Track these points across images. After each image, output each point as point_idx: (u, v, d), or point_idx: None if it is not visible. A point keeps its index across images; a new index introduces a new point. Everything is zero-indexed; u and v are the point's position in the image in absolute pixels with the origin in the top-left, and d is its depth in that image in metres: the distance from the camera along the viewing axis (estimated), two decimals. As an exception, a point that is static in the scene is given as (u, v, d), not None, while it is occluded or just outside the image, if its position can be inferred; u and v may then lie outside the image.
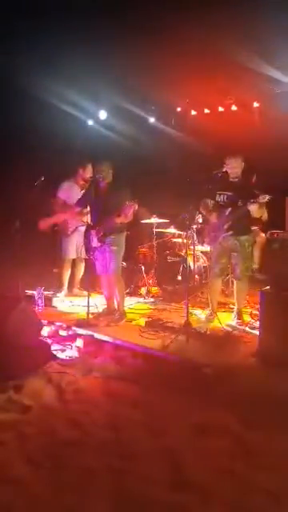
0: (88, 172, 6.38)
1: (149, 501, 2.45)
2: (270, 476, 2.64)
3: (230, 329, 5.14)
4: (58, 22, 6.03)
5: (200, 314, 5.62)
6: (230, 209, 5.09)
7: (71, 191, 6.44)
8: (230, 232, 5.13)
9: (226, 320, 5.35)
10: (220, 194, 5.22)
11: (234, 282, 5.50)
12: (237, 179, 5.19)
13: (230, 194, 5.14)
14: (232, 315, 5.40)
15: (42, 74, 6.85)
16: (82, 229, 6.40)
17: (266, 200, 4.84)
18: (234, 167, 5.13)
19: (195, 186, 5.67)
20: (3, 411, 3.48)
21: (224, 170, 5.18)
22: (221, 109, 7.66)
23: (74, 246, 6.55)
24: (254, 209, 4.93)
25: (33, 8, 5.94)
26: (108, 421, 3.30)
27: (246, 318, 5.41)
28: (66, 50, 6.43)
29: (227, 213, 5.11)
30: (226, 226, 5.14)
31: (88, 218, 6.37)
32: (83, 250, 6.38)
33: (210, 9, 5.69)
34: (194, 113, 8.01)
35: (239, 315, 5.32)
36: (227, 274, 6.02)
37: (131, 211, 5.15)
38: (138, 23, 6.02)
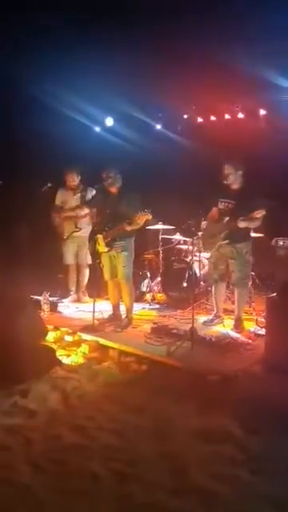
0: (70, 180, 6.47)
1: (152, 506, 2.46)
2: (273, 482, 2.64)
3: (231, 335, 5.11)
4: (67, 30, 6.10)
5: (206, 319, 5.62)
6: (227, 218, 5.08)
7: (66, 196, 6.55)
8: (227, 241, 5.13)
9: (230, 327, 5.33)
10: (222, 202, 5.22)
11: (235, 289, 5.49)
12: (237, 186, 5.18)
13: (232, 202, 5.13)
14: (232, 322, 5.39)
15: (51, 82, 6.93)
16: (83, 235, 6.45)
17: (260, 215, 4.86)
18: (226, 173, 5.13)
19: (202, 192, 5.69)
20: (9, 416, 3.50)
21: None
22: (227, 116, 7.69)
23: (71, 252, 6.60)
24: (246, 224, 4.94)
25: (43, 18, 6.03)
26: (112, 426, 3.31)
27: (248, 325, 5.40)
28: (74, 58, 6.50)
29: (225, 221, 5.11)
30: (222, 235, 5.14)
31: (82, 224, 6.44)
32: (88, 255, 6.42)
33: (217, 17, 5.74)
34: (200, 120, 8.04)
35: (238, 322, 5.30)
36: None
37: (143, 221, 5.17)
38: (145, 32, 6.08)
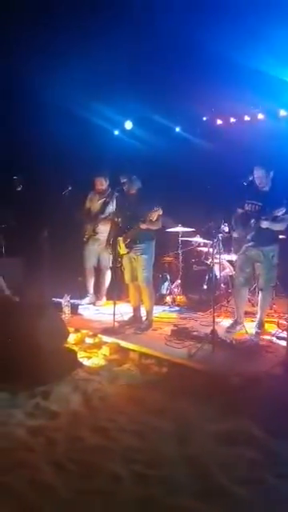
0: (98, 184, 6.55)
1: (174, 508, 2.46)
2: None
3: (253, 338, 5.07)
4: (85, 35, 6.17)
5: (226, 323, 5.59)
6: (253, 220, 5.01)
7: (92, 200, 6.64)
8: (252, 243, 5.06)
9: (251, 329, 5.30)
10: (248, 203, 5.15)
11: (259, 292, 5.43)
12: (266, 189, 5.10)
13: (259, 204, 5.05)
14: (254, 324, 5.34)
15: (71, 86, 7.00)
16: (103, 238, 6.50)
17: (280, 214, 4.77)
18: (258, 177, 5.07)
19: (223, 195, 5.65)
20: (32, 417, 3.53)
21: (250, 178, 5.13)
22: (247, 118, 7.65)
23: (92, 255, 6.66)
24: (268, 224, 4.86)
25: (60, 25, 6.11)
26: (134, 428, 3.31)
27: (269, 327, 5.34)
28: (93, 62, 6.56)
29: (252, 223, 5.04)
30: (248, 237, 5.08)
31: (100, 228, 6.49)
32: (110, 258, 6.46)
33: (235, 19, 5.73)
34: (219, 122, 8.02)
35: (260, 325, 5.25)
36: (254, 283, 5.97)
37: (155, 217, 5.17)
38: (163, 35, 6.10)
